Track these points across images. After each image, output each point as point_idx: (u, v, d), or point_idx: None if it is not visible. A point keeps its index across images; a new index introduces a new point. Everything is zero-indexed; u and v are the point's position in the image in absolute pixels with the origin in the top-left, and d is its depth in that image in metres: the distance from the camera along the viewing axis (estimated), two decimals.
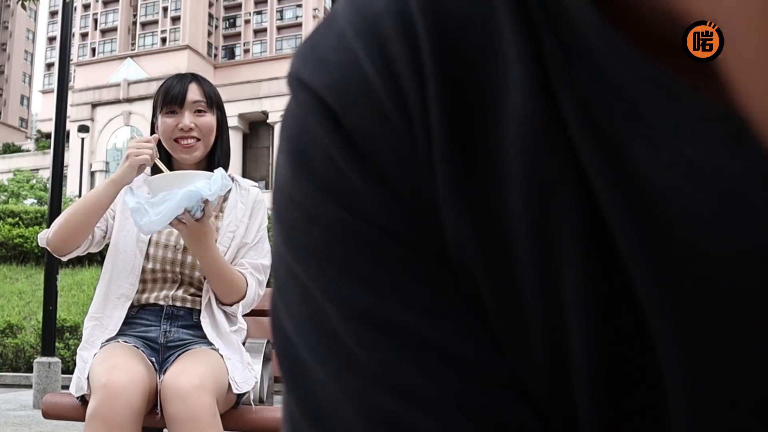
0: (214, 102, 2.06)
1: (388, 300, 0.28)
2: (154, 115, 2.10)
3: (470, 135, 0.28)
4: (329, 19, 0.32)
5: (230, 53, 70.36)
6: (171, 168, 2.03)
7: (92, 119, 44.93)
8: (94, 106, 45.90)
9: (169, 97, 2.03)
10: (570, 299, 0.27)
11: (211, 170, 1.98)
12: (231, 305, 2.02)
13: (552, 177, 0.27)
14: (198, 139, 2.03)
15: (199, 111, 2.03)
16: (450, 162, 0.28)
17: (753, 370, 0.25)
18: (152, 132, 2.10)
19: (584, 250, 0.27)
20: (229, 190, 2.00)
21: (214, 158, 2.07)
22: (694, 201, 0.25)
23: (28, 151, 54.20)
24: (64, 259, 2.05)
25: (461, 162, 0.28)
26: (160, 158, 1.99)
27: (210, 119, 2.04)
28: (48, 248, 1.99)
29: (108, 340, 1.95)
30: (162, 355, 1.95)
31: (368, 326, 0.28)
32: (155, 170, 1.99)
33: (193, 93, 2.04)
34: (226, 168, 2.05)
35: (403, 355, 0.28)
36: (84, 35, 71.45)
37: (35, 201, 31.16)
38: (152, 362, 1.90)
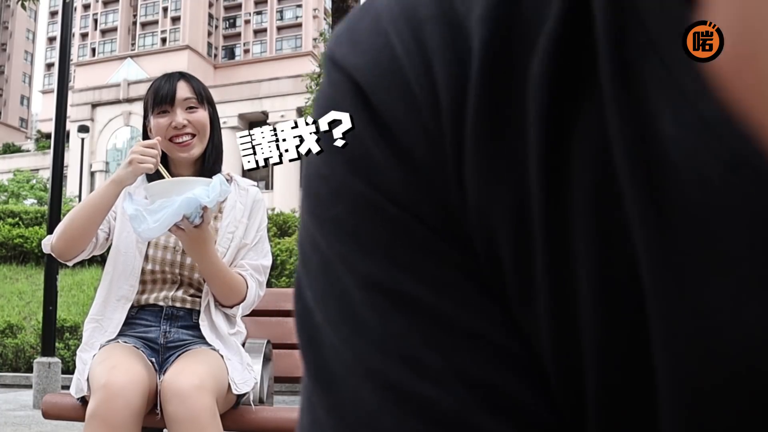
0: (204, 98, 2.06)
1: (403, 272, 0.29)
2: (145, 117, 2.09)
3: (504, 119, 0.29)
4: (367, 3, 0.33)
5: (230, 53, 70.31)
6: (167, 167, 2.03)
7: (92, 119, 44.95)
8: (94, 106, 45.91)
9: (159, 97, 2.02)
10: (582, 273, 0.28)
11: (205, 166, 1.98)
12: (231, 307, 2.02)
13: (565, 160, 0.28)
14: (193, 135, 2.02)
15: (191, 108, 2.03)
16: (481, 142, 0.29)
17: (743, 350, 0.25)
18: (145, 134, 2.10)
19: (597, 221, 0.27)
20: None
21: (206, 154, 2.06)
22: (706, 164, 0.25)
23: (28, 151, 54.13)
24: (70, 264, 2.05)
25: (492, 143, 0.29)
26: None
27: (203, 114, 2.04)
28: (53, 254, 1.98)
29: (108, 342, 1.95)
30: (162, 355, 1.95)
31: (382, 296, 0.29)
32: (154, 174, 1.99)
33: (183, 90, 2.03)
34: (218, 164, 2.06)
35: (412, 324, 0.29)
36: (84, 35, 71.39)
37: (35, 201, 31.15)
38: (152, 362, 1.89)
